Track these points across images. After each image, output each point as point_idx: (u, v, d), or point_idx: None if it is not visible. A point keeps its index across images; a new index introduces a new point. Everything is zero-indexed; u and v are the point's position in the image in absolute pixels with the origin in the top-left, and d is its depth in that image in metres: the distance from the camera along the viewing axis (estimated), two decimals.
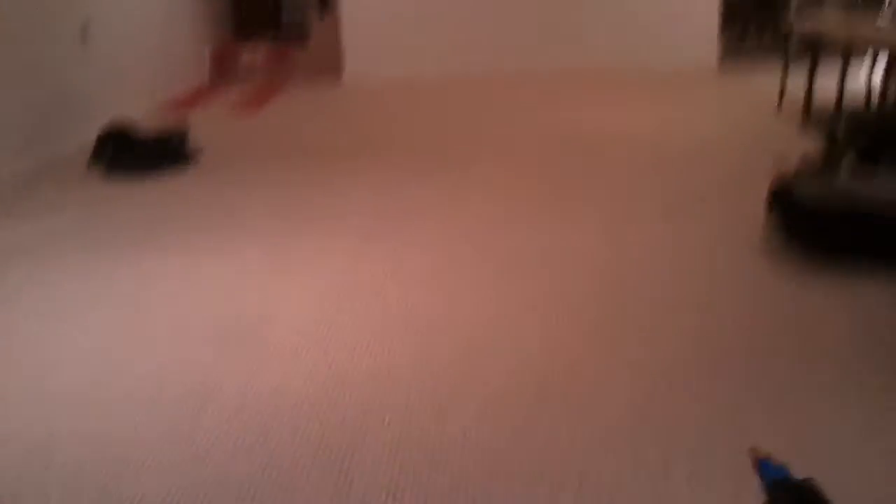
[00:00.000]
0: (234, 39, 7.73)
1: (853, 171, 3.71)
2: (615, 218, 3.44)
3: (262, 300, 2.75)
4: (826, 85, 4.69)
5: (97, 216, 3.77)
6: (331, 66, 7.06)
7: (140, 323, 2.61)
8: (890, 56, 3.80)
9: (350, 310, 2.65)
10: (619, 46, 6.80)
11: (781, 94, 5.20)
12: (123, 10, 5.69)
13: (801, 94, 4.82)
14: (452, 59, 6.91)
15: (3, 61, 4.33)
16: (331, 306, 2.68)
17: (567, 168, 4.23)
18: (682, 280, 2.77)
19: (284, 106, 6.19)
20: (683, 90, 5.93)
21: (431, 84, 6.59)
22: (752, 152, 4.34)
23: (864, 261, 2.74)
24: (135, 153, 4.53)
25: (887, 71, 3.89)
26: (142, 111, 5.78)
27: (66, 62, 4.97)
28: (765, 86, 5.60)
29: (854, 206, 2.83)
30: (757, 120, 5.07)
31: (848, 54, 4.28)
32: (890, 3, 4.50)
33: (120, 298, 2.83)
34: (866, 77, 4.97)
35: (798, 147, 4.30)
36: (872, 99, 4.73)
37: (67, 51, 4.99)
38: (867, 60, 5.11)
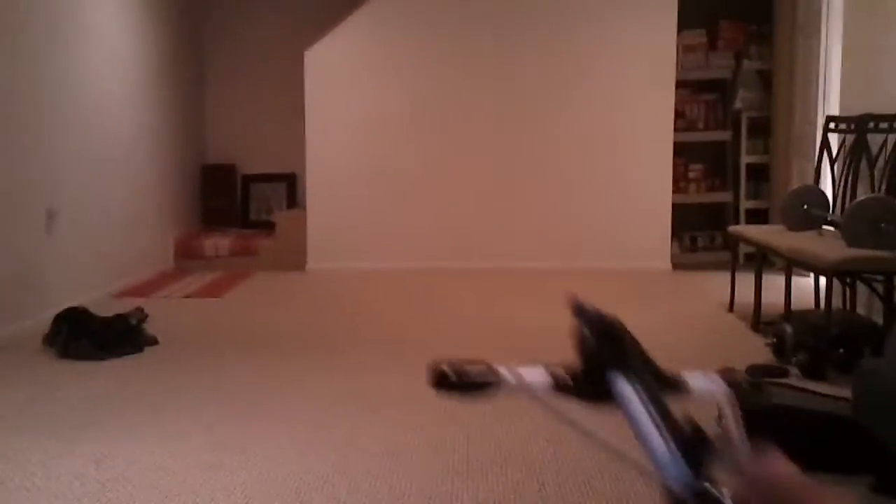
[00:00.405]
0: (200, 229, 7.88)
1: (801, 374, 3.78)
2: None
3: (206, 495, 2.68)
4: (777, 288, 4.86)
5: (45, 398, 3.71)
6: (296, 257, 7.19)
7: None
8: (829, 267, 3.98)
9: None
10: (577, 247, 7.02)
11: (731, 296, 5.37)
12: (89, 199, 5.81)
13: (752, 297, 4.97)
14: (414, 253, 7.08)
15: None
16: (277, 501, 2.62)
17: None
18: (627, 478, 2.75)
19: (246, 294, 6.24)
20: (637, 290, 6.09)
21: (392, 277, 6.71)
22: (703, 350, 4.43)
23: (812, 466, 2.75)
24: (90, 336, 4.51)
25: (830, 280, 4.06)
26: (103, 295, 5.79)
27: (29, 248, 5.02)
28: (716, 289, 5.77)
29: (801, 408, 2.87)
30: (708, 320, 5.20)
31: (791, 265, 4.46)
32: (830, 222, 4.74)
33: (57, 486, 2.74)
34: (813, 283, 5.15)
35: (748, 346, 4.40)
36: (820, 303, 4.89)
37: (31, 237, 5.05)
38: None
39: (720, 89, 7.44)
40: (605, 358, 0.73)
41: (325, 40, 7.05)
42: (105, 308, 5.05)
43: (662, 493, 0.36)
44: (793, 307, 4.53)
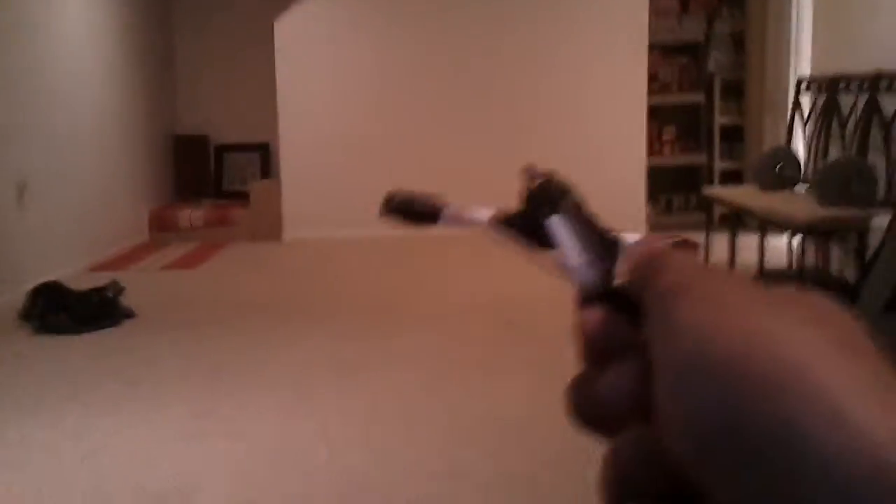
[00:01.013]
0: (174, 201, 7.82)
1: None
2: (548, 377, 3.47)
3: (188, 465, 2.69)
4: (752, 248, 4.90)
5: (23, 373, 3.70)
6: (271, 227, 7.16)
7: (56, 489, 2.52)
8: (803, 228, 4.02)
9: (278, 473, 2.61)
10: None
11: (706, 257, 5.42)
12: (61, 172, 5.75)
13: (726, 258, 5.02)
14: (387, 221, 7.09)
15: None
16: (259, 468, 2.64)
17: (500, 334, 4.29)
18: None
19: (222, 265, 6.22)
20: None
21: (368, 245, 6.72)
22: None
23: None
24: (67, 310, 4.49)
25: (803, 239, 4.12)
26: (78, 269, 5.76)
27: (1, 221, 4.97)
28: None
29: None
30: None
31: (765, 226, 4.51)
32: (803, 182, 4.79)
33: (37, 460, 2.75)
34: (787, 243, 5.21)
35: None
36: (793, 264, 4.95)
37: (2, 211, 5.00)
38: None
39: (693, 52, 7.45)
40: (546, 202, 0.78)
41: (295, 9, 6.99)
42: (81, 282, 5.02)
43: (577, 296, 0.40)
44: (767, 267, 4.58)
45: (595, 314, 0.37)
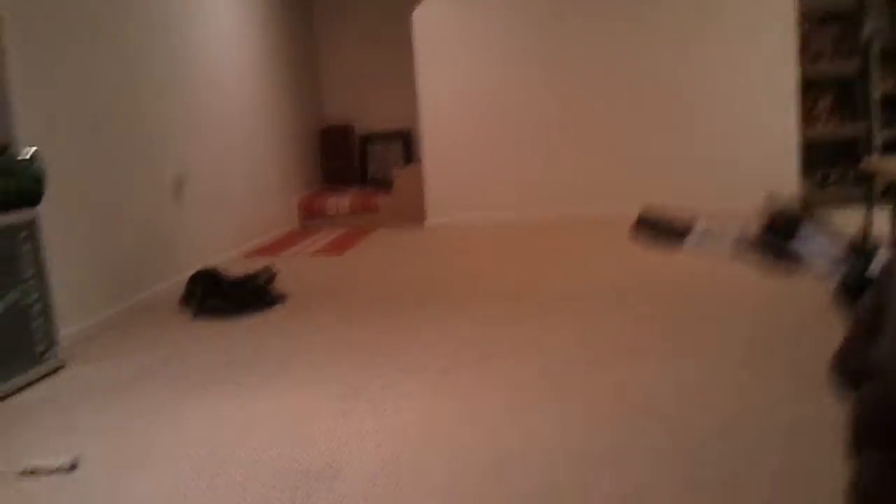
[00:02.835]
0: (321, 189, 8.05)
1: None
2: (694, 360, 3.38)
3: (336, 442, 2.76)
4: None
5: (184, 356, 3.89)
6: (414, 212, 7.27)
7: (214, 468, 2.63)
8: None
9: (424, 451, 2.64)
10: (702, 191, 6.83)
11: (865, 234, 5.13)
12: (215, 165, 6.02)
13: (887, 233, 4.75)
14: (531, 204, 7.05)
15: (102, 212, 4.61)
16: (406, 447, 2.68)
17: (641, 315, 4.21)
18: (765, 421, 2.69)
19: (369, 251, 6.36)
20: None
21: (510, 229, 6.71)
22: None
23: None
24: (223, 295, 4.70)
25: None
26: (235, 255, 6.01)
27: (160, 213, 5.24)
28: (849, 227, 5.53)
29: None
30: None
31: None
32: None
33: (197, 441, 2.88)
34: None
35: None
36: None
37: (162, 202, 5.27)
38: None
39: (847, 19, 7.05)
40: (792, 223, 0.91)
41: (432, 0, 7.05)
42: (237, 267, 5.24)
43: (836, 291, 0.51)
44: None
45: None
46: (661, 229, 0.96)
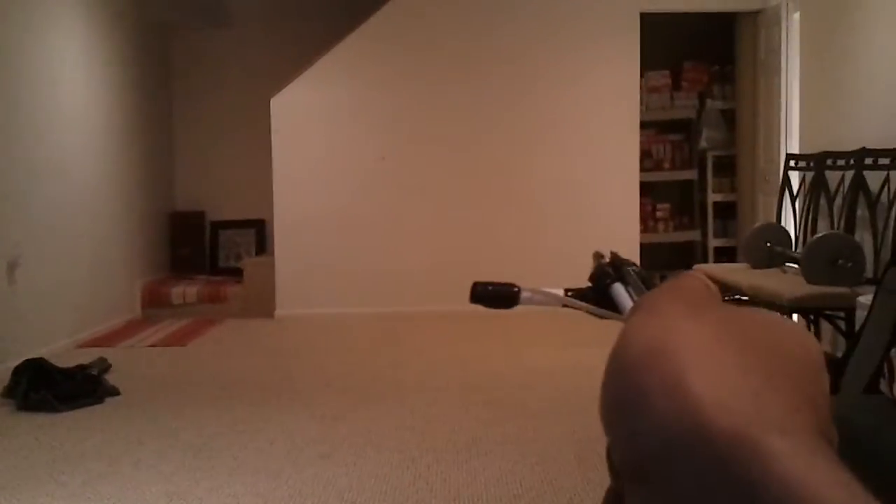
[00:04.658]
0: (168, 276, 7.82)
1: None
2: (530, 455, 3.41)
3: None
4: None
5: (2, 453, 3.64)
6: (264, 304, 7.14)
7: None
8: None
9: None
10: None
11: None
12: (53, 247, 5.76)
13: None
14: (383, 299, 7.05)
15: None
16: None
17: (491, 408, 4.23)
18: None
19: (213, 342, 6.19)
20: (606, 333, 6.08)
21: (361, 322, 6.69)
22: None
23: None
24: (52, 387, 4.44)
25: (791, 316, 4.08)
26: (68, 345, 5.72)
27: None
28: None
29: None
30: None
31: (756, 304, 4.48)
32: (792, 258, 4.77)
33: None
34: None
35: None
36: None
37: None
38: None
39: (685, 129, 7.52)
40: (609, 274, 0.98)
41: (291, 87, 7.08)
42: (69, 358, 4.99)
43: None
44: None
45: None
46: (493, 294, 1.09)
